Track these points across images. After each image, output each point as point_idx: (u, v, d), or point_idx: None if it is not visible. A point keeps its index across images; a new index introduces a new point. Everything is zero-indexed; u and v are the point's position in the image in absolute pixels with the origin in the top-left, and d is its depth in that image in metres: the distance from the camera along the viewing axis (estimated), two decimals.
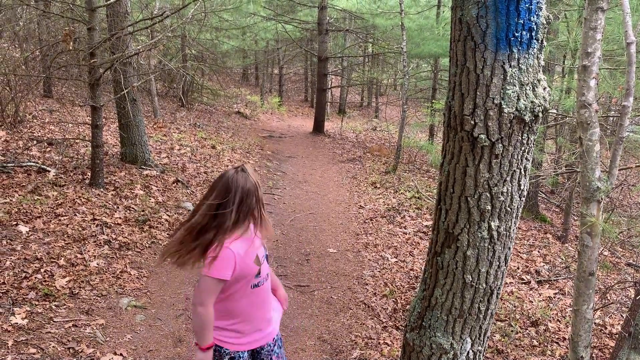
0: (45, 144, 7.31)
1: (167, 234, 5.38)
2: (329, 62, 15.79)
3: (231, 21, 14.12)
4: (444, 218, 2.06)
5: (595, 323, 4.85)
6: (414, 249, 6.15)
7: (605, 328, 4.89)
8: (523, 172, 1.94)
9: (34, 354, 3.12)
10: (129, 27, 6.37)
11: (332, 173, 10.09)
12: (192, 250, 2.06)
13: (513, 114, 1.81)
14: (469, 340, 2.11)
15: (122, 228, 5.22)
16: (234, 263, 2.03)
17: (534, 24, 1.76)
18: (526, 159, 1.93)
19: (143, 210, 5.79)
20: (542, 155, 8.36)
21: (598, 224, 2.84)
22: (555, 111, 7.00)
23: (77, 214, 5.23)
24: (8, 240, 4.40)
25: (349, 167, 10.80)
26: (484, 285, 2.03)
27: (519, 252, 6.70)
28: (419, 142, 12.38)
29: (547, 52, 7.45)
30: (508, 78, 1.79)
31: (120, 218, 5.41)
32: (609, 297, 5.66)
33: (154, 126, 10.67)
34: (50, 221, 4.94)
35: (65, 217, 5.08)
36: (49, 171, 6.18)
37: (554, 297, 5.41)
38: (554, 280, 5.88)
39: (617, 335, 4.15)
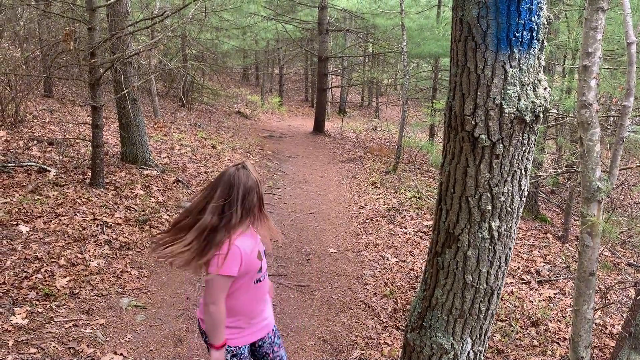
0: (46, 144, 7.31)
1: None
2: (329, 62, 15.79)
3: (231, 21, 14.12)
4: (444, 218, 2.06)
5: (595, 323, 4.84)
6: (415, 248, 6.15)
7: (606, 328, 4.88)
8: (524, 172, 1.94)
9: (34, 353, 3.12)
10: (130, 27, 6.37)
11: (332, 173, 10.09)
12: (202, 250, 2.04)
13: (514, 114, 1.81)
14: (469, 340, 2.11)
15: (123, 228, 5.22)
16: (241, 259, 2.06)
17: (534, 24, 1.76)
18: (527, 159, 1.93)
19: (143, 210, 5.79)
20: (542, 155, 8.35)
21: (598, 224, 2.84)
22: (555, 111, 7.00)
23: (78, 213, 5.24)
24: (8, 240, 4.40)
25: (350, 167, 10.80)
26: (485, 285, 2.03)
27: (520, 252, 6.70)
28: (420, 142, 12.38)
29: (548, 52, 7.45)
30: (509, 78, 1.79)
31: (120, 218, 5.41)
32: (609, 297, 5.66)
33: (155, 126, 10.67)
34: (51, 221, 4.94)
35: (65, 217, 5.08)
36: (49, 171, 6.18)
37: (555, 297, 5.41)
38: (555, 280, 5.88)
39: (617, 336, 4.14)
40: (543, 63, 1.86)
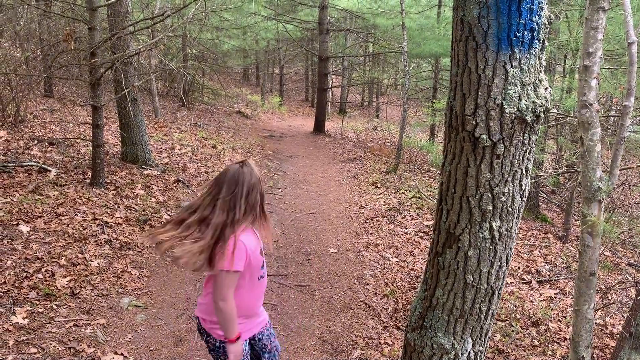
0: (46, 144, 7.31)
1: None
2: (330, 61, 15.78)
3: (232, 21, 14.12)
4: (445, 218, 2.06)
5: (596, 323, 4.84)
6: (415, 248, 6.15)
7: (606, 328, 4.88)
8: (524, 172, 1.94)
9: (34, 353, 3.12)
10: (130, 27, 6.37)
11: (332, 173, 10.09)
12: (213, 247, 2.05)
13: (514, 114, 1.81)
14: (470, 340, 2.11)
15: (123, 228, 5.22)
16: (246, 255, 2.08)
17: (535, 24, 1.76)
18: (527, 159, 1.93)
19: (144, 210, 5.79)
20: (543, 155, 8.35)
21: (599, 224, 2.84)
22: (556, 111, 7.00)
23: (78, 213, 5.24)
24: (9, 240, 4.40)
25: (350, 167, 10.80)
26: (485, 285, 2.03)
27: (520, 252, 6.70)
28: (420, 141, 12.37)
29: (548, 52, 7.44)
30: (509, 78, 1.79)
31: (121, 218, 5.41)
32: (609, 297, 5.66)
33: (155, 126, 10.67)
34: (51, 221, 4.94)
35: (66, 217, 5.08)
36: (49, 171, 6.18)
37: (555, 297, 5.41)
38: (555, 280, 5.88)
39: (618, 336, 4.14)
40: (544, 63, 1.86)
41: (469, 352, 2.13)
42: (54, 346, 3.22)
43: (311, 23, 16.37)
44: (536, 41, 1.78)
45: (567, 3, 7.19)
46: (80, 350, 3.24)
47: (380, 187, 9.09)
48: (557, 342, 4.42)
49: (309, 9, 16.47)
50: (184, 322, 3.83)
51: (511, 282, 5.61)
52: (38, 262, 4.16)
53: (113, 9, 6.69)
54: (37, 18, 9.82)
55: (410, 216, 7.39)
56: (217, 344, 2.23)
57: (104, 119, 7.04)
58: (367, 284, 4.98)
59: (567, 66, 8.71)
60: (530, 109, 1.82)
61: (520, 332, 4.48)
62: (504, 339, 4.29)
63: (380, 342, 3.94)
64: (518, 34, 1.75)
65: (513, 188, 1.93)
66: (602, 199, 2.84)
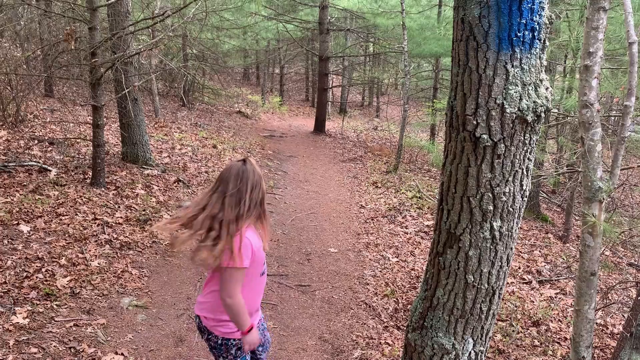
0: (47, 144, 7.31)
1: (168, 234, 5.37)
2: (330, 61, 15.78)
3: (232, 20, 14.11)
4: (446, 218, 2.05)
5: (596, 323, 4.84)
6: (415, 248, 6.15)
7: (607, 328, 4.88)
8: (525, 172, 1.94)
9: (35, 353, 3.12)
10: (130, 27, 6.37)
11: (333, 172, 10.09)
12: (223, 243, 2.06)
13: (515, 114, 1.81)
14: (470, 340, 2.11)
15: (123, 227, 5.22)
16: (251, 251, 2.10)
17: (536, 23, 1.75)
18: (528, 159, 1.92)
19: (144, 210, 5.79)
20: (543, 155, 8.35)
21: (599, 224, 2.83)
22: (556, 111, 7.00)
23: (78, 213, 5.24)
24: (9, 240, 4.40)
25: (350, 167, 10.80)
26: (486, 285, 2.03)
27: (520, 251, 6.69)
28: (420, 141, 12.38)
29: (549, 51, 7.44)
30: (510, 78, 1.78)
31: (121, 217, 5.41)
32: (610, 297, 5.65)
33: (155, 126, 10.67)
34: (52, 221, 4.94)
35: (66, 217, 5.08)
36: (50, 171, 6.18)
37: (555, 297, 5.41)
38: (555, 280, 5.88)
39: (618, 336, 4.14)
40: (545, 63, 1.86)
41: (470, 352, 2.13)
42: (54, 346, 3.22)
43: (311, 23, 16.37)
44: (537, 41, 1.78)
45: (568, 3, 7.19)
46: (81, 350, 3.24)
47: (380, 187, 9.09)
48: (558, 342, 4.41)
49: (309, 8, 16.47)
50: (184, 322, 3.83)
51: (512, 282, 5.60)
52: (38, 262, 4.16)
53: (113, 8, 6.69)
54: (38, 18, 9.83)
55: (410, 216, 7.39)
56: (219, 342, 2.23)
57: (105, 119, 7.04)
58: (368, 284, 4.98)
59: (567, 66, 8.71)
60: (531, 109, 1.81)
61: (521, 332, 4.48)
62: (504, 339, 4.29)
63: (380, 342, 3.94)
64: (519, 34, 1.74)
65: (514, 188, 1.92)
66: (603, 198, 2.83)
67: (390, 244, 6.21)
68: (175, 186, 6.97)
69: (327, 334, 3.98)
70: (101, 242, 4.78)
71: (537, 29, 1.77)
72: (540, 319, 4.74)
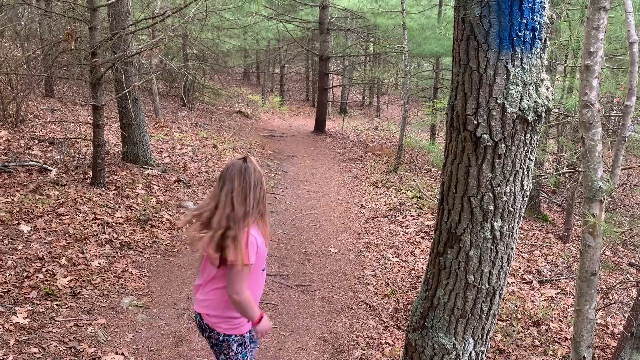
0: (47, 144, 7.31)
1: (169, 234, 5.38)
2: (331, 61, 15.78)
3: (232, 20, 14.11)
4: (446, 218, 2.05)
5: (597, 323, 4.84)
6: (416, 248, 6.15)
7: (607, 328, 4.88)
8: (526, 172, 1.93)
9: (35, 353, 3.12)
10: (130, 27, 6.37)
11: (333, 172, 10.09)
12: (241, 241, 2.10)
13: (516, 113, 1.81)
14: (471, 340, 2.11)
15: (124, 227, 5.22)
16: (256, 248, 2.13)
17: (537, 23, 1.75)
18: (529, 159, 1.92)
19: (144, 210, 5.79)
20: (544, 155, 8.34)
21: (599, 224, 2.83)
22: (557, 110, 6.99)
23: (79, 213, 5.24)
24: (10, 240, 4.40)
25: (351, 167, 10.80)
26: (487, 285, 2.02)
27: (521, 251, 6.69)
28: (421, 141, 12.37)
29: (550, 51, 7.43)
30: (511, 78, 1.78)
31: (121, 217, 5.41)
32: (611, 297, 5.65)
33: (156, 125, 10.67)
34: (52, 220, 4.94)
35: (66, 217, 5.08)
36: (50, 170, 6.18)
37: (556, 297, 5.40)
38: (556, 280, 5.88)
39: (619, 336, 4.14)
40: (545, 62, 1.85)
41: (470, 352, 2.12)
42: (54, 346, 3.22)
43: (312, 23, 16.37)
44: (538, 40, 1.78)
45: (568, 2, 7.19)
46: (81, 350, 3.24)
47: (380, 187, 9.09)
48: (558, 342, 4.41)
49: (310, 8, 16.47)
50: (184, 322, 3.82)
51: (512, 282, 5.60)
52: (39, 262, 4.16)
53: (113, 8, 6.69)
54: (38, 18, 9.83)
55: (411, 216, 7.39)
56: (220, 339, 2.24)
57: (105, 119, 7.05)
58: (368, 284, 4.98)
59: (568, 66, 8.70)
60: (531, 109, 1.81)
61: (521, 332, 4.48)
62: (505, 339, 4.29)
63: (381, 342, 3.94)
64: (520, 34, 1.74)
65: (514, 188, 1.92)
66: (603, 198, 2.83)
67: (391, 243, 6.21)
68: (176, 186, 6.97)
69: (328, 333, 3.98)
70: (101, 242, 4.78)
71: (538, 28, 1.76)
72: (541, 319, 4.74)
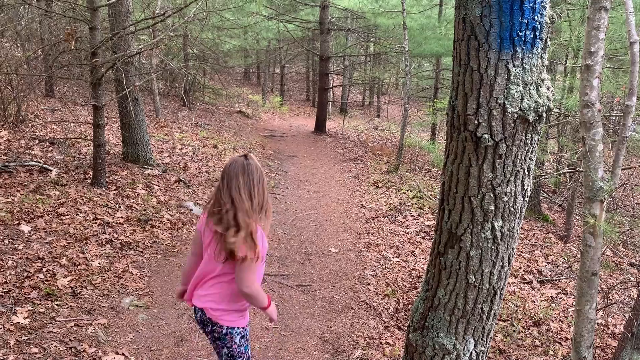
0: (47, 144, 7.31)
1: (169, 234, 5.38)
2: (331, 61, 15.78)
3: (233, 20, 14.11)
4: (447, 218, 2.05)
5: (597, 323, 4.83)
6: (416, 248, 6.15)
7: (608, 328, 4.87)
8: (527, 172, 1.93)
9: (35, 353, 3.12)
10: (131, 27, 6.37)
11: (333, 172, 10.09)
12: (255, 236, 2.14)
13: (517, 113, 1.80)
14: (472, 340, 2.10)
15: (124, 227, 5.22)
16: (262, 242, 2.17)
17: (537, 23, 1.75)
18: (530, 159, 1.92)
19: (145, 210, 5.79)
20: (544, 155, 8.34)
21: (600, 224, 2.83)
22: (557, 110, 6.99)
23: (79, 213, 5.24)
24: (10, 240, 4.40)
25: (351, 167, 10.79)
26: (487, 285, 2.02)
27: (521, 251, 6.69)
28: (421, 141, 12.37)
29: (550, 51, 7.42)
30: (512, 78, 1.78)
31: (122, 217, 5.41)
32: (611, 297, 5.65)
33: (156, 125, 10.68)
34: (52, 220, 4.94)
35: (67, 217, 5.08)
36: (50, 170, 6.18)
37: (556, 297, 5.40)
38: (556, 280, 5.87)
39: (619, 336, 4.14)
40: (546, 62, 1.85)
41: (471, 353, 2.12)
42: (55, 346, 3.22)
43: (312, 23, 16.38)
44: (538, 40, 1.78)
45: (569, 2, 7.18)
46: (82, 350, 3.24)
47: (381, 187, 9.08)
48: (559, 342, 4.41)
49: (310, 8, 16.47)
50: (185, 322, 3.82)
51: (512, 282, 5.60)
52: (39, 262, 4.16)
53: (114, 8, 6.69)
54: (38, 18, 9.83)
55: (411, 216, 7.39)
56: (224, 332, 2.26)
57: (105, 119, 7.05)
58: (369, 284, 4.97)
59: (568, 65, 8.70)
60: (532, 109, 1.81)
61: (522, 332, 4.48)
62: (505, 339, 4.29)
63: (381, 342, 3.94)
64: (520, 33, 1.74)
65: (515, 188, 1.92)
66: (604, 198, 2.83)
67: (391, 243, 6.21)
68: (176, 186, 6.97)
69: (328, 333, 3.98)
70: (102, 242, 4.78)
71: (539, 28, 1.76)
72: (541, 319, 4.73)
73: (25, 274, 3.95)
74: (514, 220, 1.97)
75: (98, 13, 5.74)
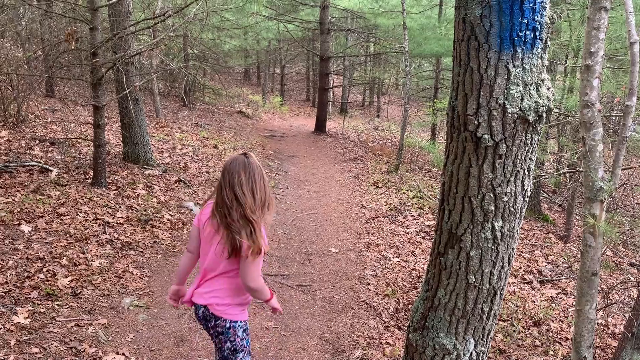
0: (48, 144, 7.32)
1: (169, 234, 5.39)
2: (331, 61, 15.78)
3: (233, 21, 14.12)
4: (447, 218, 2.05)
5: (597, 323, 4.83)
6: (416, 248, 6.15)
7: (608, 328, 4.88)
8: (527, 172, 1.93)
9: (36, 353, 3.12)
10: (131, 27, 6.37)
11: (334, 172, 10.09)
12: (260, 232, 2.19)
13: (517, 114, 1.81)
14: (472, 341, 2.11)
15: (124, 227, 5.22)
16: (264, 237, 2.22)
17: (537, 23, 1.75)
18: (530, 159, 1.92)
19: (145, 210, 5.79)
20: (544, 155, 8.34)
21: (598, 225, 2.83)
22: (557, 111, 6.99)
23: (80, 213, 5.24)
24: (11, 240, 4.41)
25: (351, 167, 10.80)
26: (487, 285, 2.02)
27: (521, 251, 6.69)
28: (421, 141, 12.38)
29: (550, 51, 7.42)
30: (512, 78, 1.78)
31: (122, 217, 5.41)
32: (611, 297, 5.65)
33: (156, 126, 10.68)
34: (53, 221, 4.94)
35: (67, 217, 5.09)
36: (51, 171, 6.18)
37: (557, 297, 5.40)
38: (557, 280, 5.87)
39: (619, 336, 4.14)
40: (546, 63, 1.85)
41: (471, 353, 2.12)
42: (55, 346, 3.22)
43: (312, 23, 16.38)
44: (538, 41, 1.78)
45: (569, 2, 7.18)
46: (82, 350, 3.25)
47: (381, 187, 9.09)
48: (559, 342, 4.41)
49: (310, 8, 16.48)
50: (185, 322, 3.83)
51: (513, 282, 5.60)
52: (39, 262, 4.16)
53: (114, 9, 6.69)
54: (39, 18, 9.84)
55: (411, 216, 7.39)
56: (227, 326, 2.28)
57: (106, 119, 7.05)
58: (369, 284, 4.98)
59: (568, 66, 8.70)
60: (532, 109, 1.81)
61: (522, 332, 4.48)
62: (505, 339, 4.29)
63: (381, 342, 3.94)
64: (520, 34, 1.74)
65: (515, 188, 1.92)
66: (604, 198, 2.83)
67: (391, 244, 6.21)
68: (176, 186, 6.98)
69: (328, 333, 3.98)
70: (102, 242, 4.78)
71: (539, 28, 1.76)
72: (542, 319, 4.73)
73: (26, 274, 3.95)
74: (514, 220, 1.97)
75: (98, 13, 5.74)
